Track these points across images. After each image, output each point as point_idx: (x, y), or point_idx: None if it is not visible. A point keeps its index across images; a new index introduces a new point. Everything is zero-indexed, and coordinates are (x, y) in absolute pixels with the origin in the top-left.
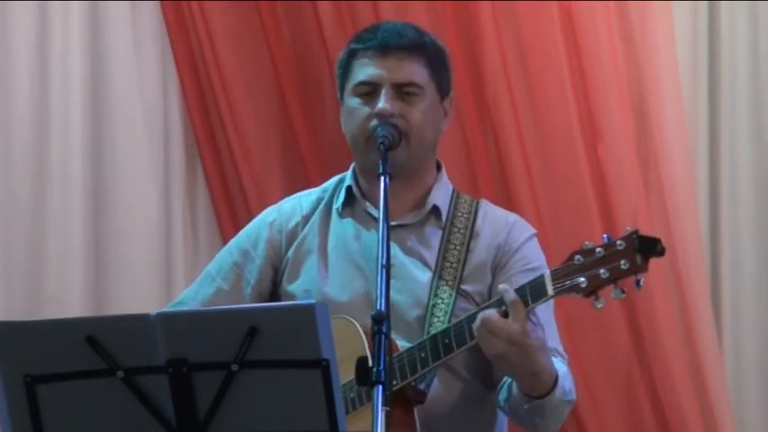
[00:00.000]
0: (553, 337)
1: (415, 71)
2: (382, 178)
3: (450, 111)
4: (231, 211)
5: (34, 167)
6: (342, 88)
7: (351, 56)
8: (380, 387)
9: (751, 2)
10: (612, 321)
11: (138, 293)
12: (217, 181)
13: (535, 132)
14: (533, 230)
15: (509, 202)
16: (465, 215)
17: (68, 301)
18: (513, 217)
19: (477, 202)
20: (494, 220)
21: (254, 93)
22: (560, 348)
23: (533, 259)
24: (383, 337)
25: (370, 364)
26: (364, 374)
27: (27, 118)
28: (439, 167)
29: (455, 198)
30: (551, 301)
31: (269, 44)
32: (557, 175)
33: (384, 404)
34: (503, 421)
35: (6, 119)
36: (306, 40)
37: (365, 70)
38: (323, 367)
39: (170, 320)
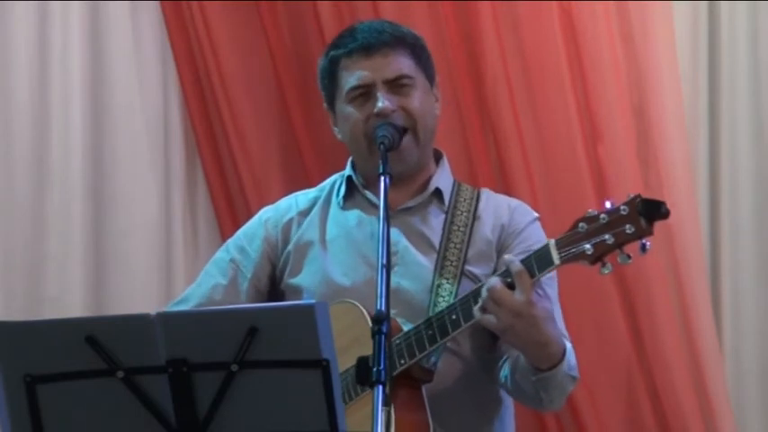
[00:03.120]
0: (558, 319)
1: (402, 63)
2: (382, 178)
3: (439, 96)
4: (231, 211)
5: (34, 167)
6: (330, 97)
7: (334, 64)
8: (380, 387)
9: (751, 2)
10: (612, 321)
11: (138, 293)
12: (217, 181)
13: (535, 132)
14: (536, 214)
15: None
16: (467, 200)
17: (68, 301)
18: (515, 201)
19: (479, 190)
20: (496, 203)
21: (254, 93)
22: (563, 329)
23: (536, 241)
24: (383, 337)
25: (367, 358)
26: (365, 374)
27: (27, 118)
28: (440, 157)
29: (456, 186)
30: (556, 281)
31: (269, 44)
32: (557, 175)
33: (384, 404)
34: (509, 402)
35: (6, 119)
36: (306, 40)
37: (354, 75)
38: (323, 367)
39: (170, 320)
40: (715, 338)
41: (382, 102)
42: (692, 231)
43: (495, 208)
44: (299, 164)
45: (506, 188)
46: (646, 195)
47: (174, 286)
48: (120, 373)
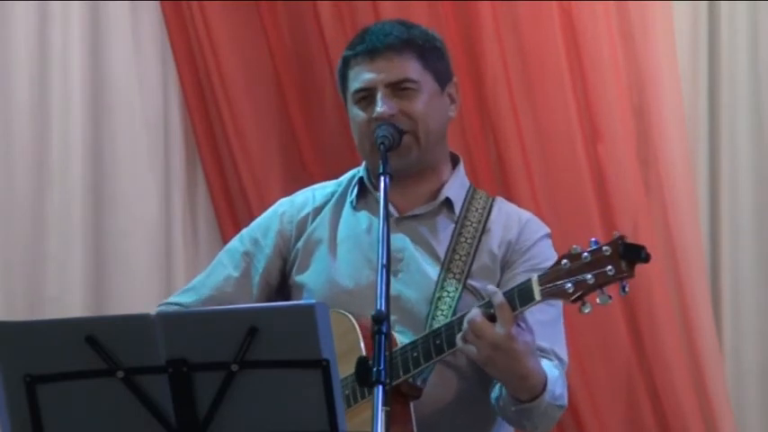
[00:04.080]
0: (555, 338)
1: (407, 67)
2: (382, 178)
3: (456, 96)
4: (231, 211)
5: (34, 167)
6: (345, 98)
7: (345, 65)
8: (380, 387)
9: (751, 2)
10: (612, 322)
11: (138, 293)
12: (217, 181)
13: (535, 132)
14: (547, 230)
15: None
16: (479, 210)
17: (68, 301)
18: (526, 215)
19: (493, 199)
20: (507, 216)
21: (254, 93)
22: (560, 351)
23: (543, 259)
24: (383, 337)
25: (367, 359)
26: (364, 374)
27: (27, 118)
28: (457, 162)
29: (471, 193)
30: (559, 302)
31: (269, 44)
32: (557, 175)
33: (384, 404)
34: None
35: (6, 119)
36: (306, 40)
37: (359, 77)
38: (323, 367)
39: (170, 320)
40: (715, 338)
41: (380, 106)
42: (692, 231)
43: (506, 221)
44: (299, 164)
45: (506, 188)
46: (628, 239)
47: (174, 286)
48: (120, 373)
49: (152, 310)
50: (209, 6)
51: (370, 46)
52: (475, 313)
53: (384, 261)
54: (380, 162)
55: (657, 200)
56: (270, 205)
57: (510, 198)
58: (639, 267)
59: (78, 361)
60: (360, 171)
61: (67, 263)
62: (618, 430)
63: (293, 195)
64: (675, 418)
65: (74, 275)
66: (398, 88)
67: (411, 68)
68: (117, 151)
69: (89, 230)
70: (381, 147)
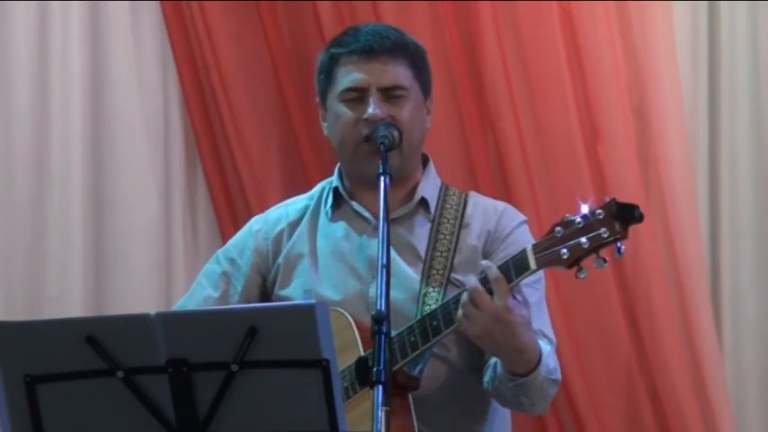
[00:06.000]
0: (542, 320)
1: (400, 73)
2: (382, 178)
3: (431, 109)
4: (231, 211)
5: (34, 167)
6: (324, 93)
7: (333, 61)
8: (380, 387)
9: (751, 2)
10: (612, 321)
11: (138, 293)
12: (217, 181)
13: (535, 132)
14: (523, 217)
15: (509, 202)
16: (454, 206)
17: (68, 301)
18: (502, 205)
19: (467, 194)
20: (484, 208)
21: (254, 93)
22: (548, 331)
23: (522, 245)
24: (383, 337)
25: (362, 353)
26: (364, 374)
27: (27, 118)
28: (426, 162)
29: (444, 191)
30: (542, 283)
31: (269, 44)
32: (557, 176)
33: (384, 404)
34: (504, 412)
35: (6, 119)
36: (306, 40)
37: (351, 76)
38: (323, 367)
39: (170, 320)
40: (715, 338)
41: (373, 108)
42: (692, 231)
43: (483, 213)
44: (298, 164)
45: (506, 188)
46: (621, 200)
47: (174, 286)
48: (120, 373)
49: (152, 310)
50: (209, 6)
51: (366, 46)
52: (474, 284)
53: (384, 261)
54: (380, 162)
55: (657, 200)
56: (269, 205)
57: (510, 199)
58: (641, 269)
59: (78, 361)
60: (332, 182)
61: (67, 263)
62: (618, 430)
63: (266, 212)
64: (675, 418)
65: (74, 275)
66: (390, 94)
67: (404, 75)
68: (117, 151)
69: (89, 231)
70: (381, 146)
